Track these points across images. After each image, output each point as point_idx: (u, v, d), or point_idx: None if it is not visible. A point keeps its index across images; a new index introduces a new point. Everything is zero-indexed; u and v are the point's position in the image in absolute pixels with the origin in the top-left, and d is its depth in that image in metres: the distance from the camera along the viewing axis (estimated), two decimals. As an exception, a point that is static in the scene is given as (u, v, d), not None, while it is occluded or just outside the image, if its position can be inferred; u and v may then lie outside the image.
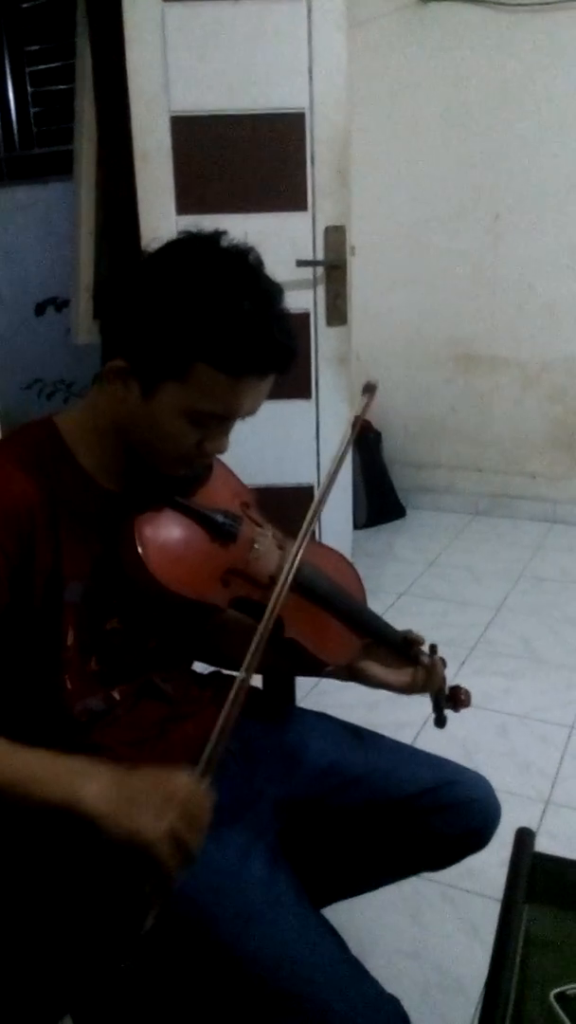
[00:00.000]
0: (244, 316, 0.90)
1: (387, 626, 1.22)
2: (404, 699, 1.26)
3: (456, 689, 1.28)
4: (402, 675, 1.19)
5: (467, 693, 1.28)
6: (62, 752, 0.88)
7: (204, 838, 0.87)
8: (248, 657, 0.94)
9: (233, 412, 0.96)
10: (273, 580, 1.04)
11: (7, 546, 0.92)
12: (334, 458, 1.13)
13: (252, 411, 0.98)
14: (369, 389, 1.15)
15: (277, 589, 1.00)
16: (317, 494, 1.04)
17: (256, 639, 0.95)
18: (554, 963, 0.90)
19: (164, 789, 0.86)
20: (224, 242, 0.95)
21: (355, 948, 0.99)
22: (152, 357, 0.92)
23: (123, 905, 0.89)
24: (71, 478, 0.99)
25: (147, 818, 0.83)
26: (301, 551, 1.04)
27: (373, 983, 0.94)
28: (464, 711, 1.30)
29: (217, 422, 0.97)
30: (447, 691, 1.28)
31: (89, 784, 0.85)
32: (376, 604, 2.90)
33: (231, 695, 0.93)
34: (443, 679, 1.26)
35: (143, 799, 0.85)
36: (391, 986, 0.96)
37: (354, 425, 1.15)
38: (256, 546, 1.07)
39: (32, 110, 4.17)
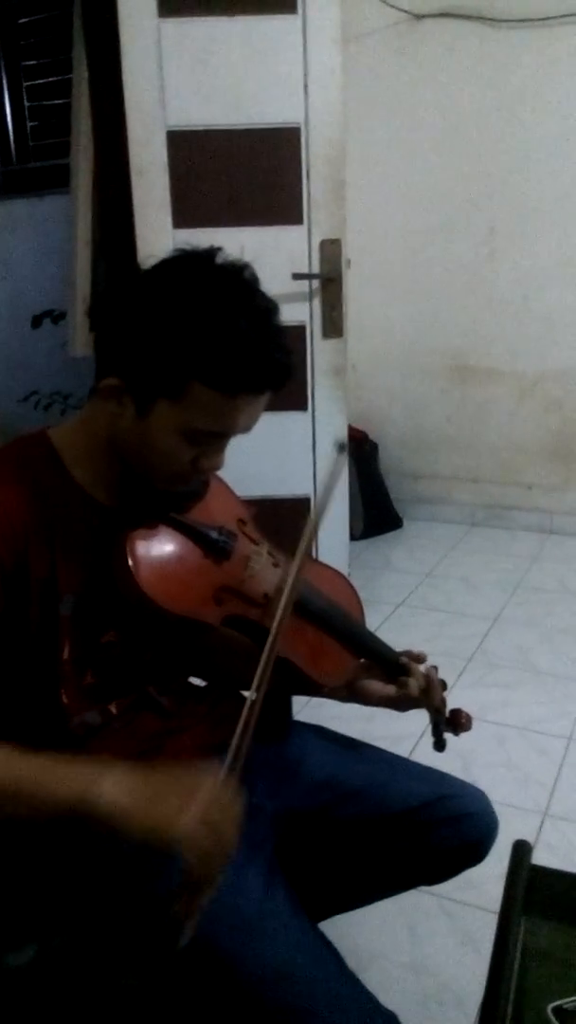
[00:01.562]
0: (239, 334, 0.90)
1: (384, 647, 1.21)
2: (403, 712, 1.26)
3: (456, 712, 1.27)
4: (398, 689, 1.19)
5: (468, 717, 1.27)
6: (71, 755, 0.86)
7: (238, 834, 0.83)
8: (257, 677, 0.93)
9: (229, 430, 0.96)
10: (268, 598, 1.04)
11: (2, 558, 0.92)
12: (326, 483, 1.10)
13: (248, 428, 0.98)
14: (343, 448, 1.11)
15: (280, 608, 0.99)
16: (308, 524, 1.02)
17: (264, 659, 0.94)
18: (552, 976, 0.90)
19: (187, 784, 0.83)
20: (219, 259, 0.95)
21: (352, 961, 0.99)
22: (147, 376, 0.92)
23: (156, 921, 0.84)
24: (65, 492, 0.99)
25: (170, 812, 0.80)
26: (298, 573, 1.03)
27: (370, 997, 0.94)
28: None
29: (213, 439, 0.97)
30: (447, 714, 1.28)
31: (104, 782, 0.82)
32: (373, 615, 2.91)
33: (245, 708, 0.91)
34: (442, 701, 1.26)
35: (165, 794, 0.82)
36: (388, 1000, 0.95)
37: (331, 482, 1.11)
38: (251, 564, 1.07)
39: (29, 124, 4.19)
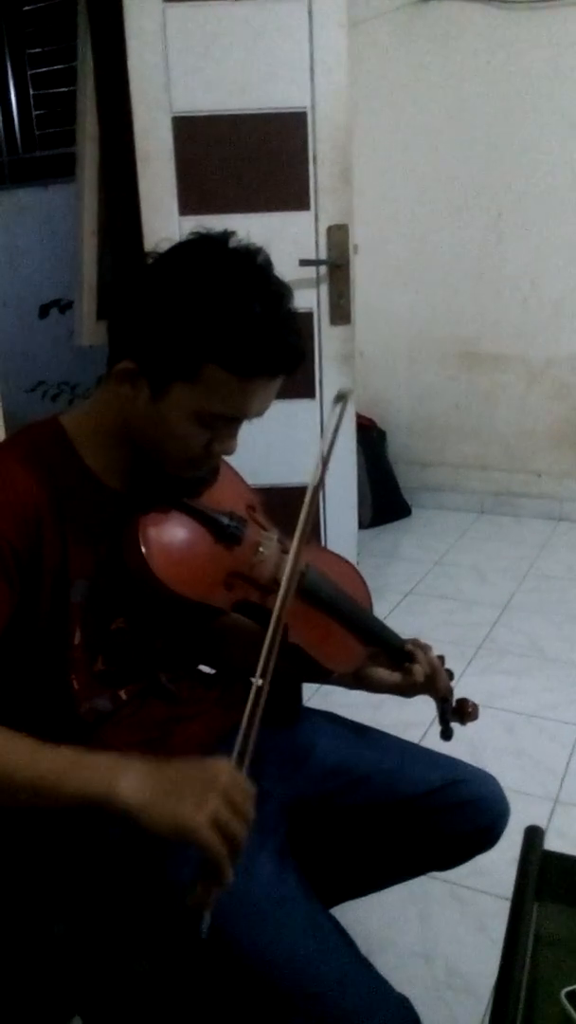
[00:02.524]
0: (254, 318, 0.90)
1: (393, 635, 1.21)
2: (411, 699, 1.26)
3: (463, 702, 1.27)
4: (405, 675, 1.19)
5: (474, 706, 1.27)
6: (88, 748, 0.86)
7: (250, 825, 0.84)
8: (261, 662, 0.93)
9: (242, 413, 0.97)
10: (277, 584, 1.04)
11: (16, 543, 0.92)
12: (315, 472, 1.07)
13: (261, 412, 0.98)
14: (340, 398, 1.12)
15: (283, 588, 0.99)
16: (307, 495, 1.01)
17: (268, 641, 0.94)
18: (565, 961, 0.90)
19: (203, 776, 0.83)
20: (233, 243, 0.95)
21: (364, 948, 0.99)
22: (162, 358, 0.92)
23: (177, 912, 0.85)
24: (77, 478, 0.99)
25: (188, 805, 0.80)
26: (300, 550, 1.02)
27: (383, 982, 0.94)
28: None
29: (226, 423, 0.97)
30: (453, 703, 1.28)
31: (123, 777, 0.82)
32: (382, 604, 2.91)
33: (252, 694, 0.91)
34: (449, 690, 1.26)
35: (182, 787, 0.82)
36: (401, 986, 0.95)
37: (332, 439, 1.11)
38: (261, 549, 1.07)
39: (34, 113, 4.17)
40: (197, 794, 0.81)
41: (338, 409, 1.02)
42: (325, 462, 1.07)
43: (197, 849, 0.80)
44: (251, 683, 0.92)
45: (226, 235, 0.96)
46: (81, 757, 0.85)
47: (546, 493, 3.74)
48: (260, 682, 0.92)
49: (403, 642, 1.20)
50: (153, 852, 0.95)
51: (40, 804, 0.85)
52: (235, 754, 0.88)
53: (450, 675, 1.26)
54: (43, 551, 0.94)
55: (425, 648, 1.21)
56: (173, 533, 0.99)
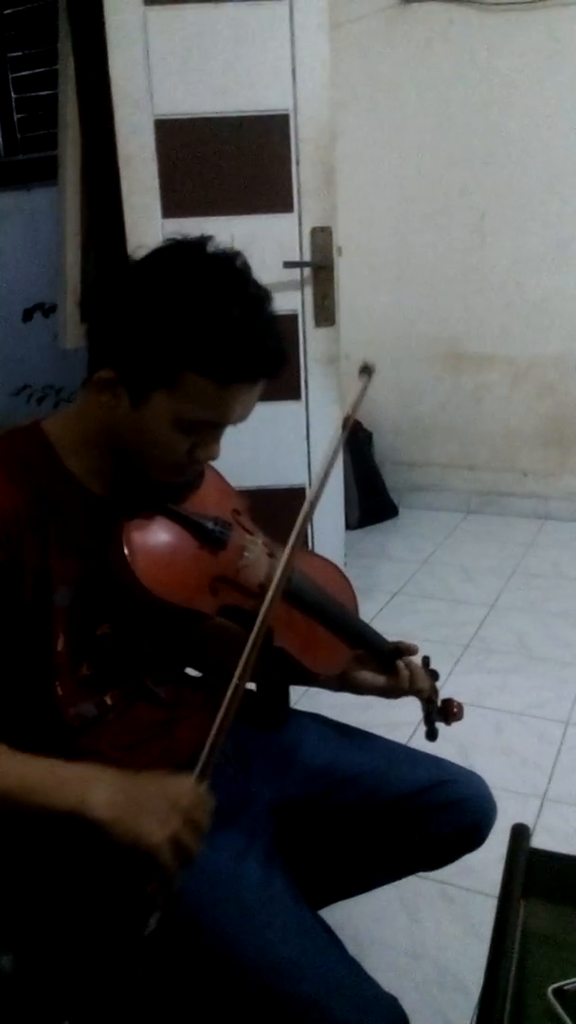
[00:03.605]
0: (233, 323, 0.90)
1: (378, 637, 1.22)
2: (397, 700, 1.26)
3: (448, 702, 1.28)
4: (389, 678, 1.20)
5: (459, 706, 1.28)
6: (63, 759, 0.89)
7: (204, 842, 0.89)
8: (240, 666, 0.94)
9: (224, 419, 0.96)
10: (263, 589, 1.04)
11: None
12: (327, 457, 1.10)
13: (243, 417, 0.97)
14: (367, 370, 1.12)
15: (268, 595, 0.99)
16: (309, 494, 1.03)
17: (248, 647, 0.95)
18: (552, 959, 0.90)
19: (168, 795, 0.88)
20: (210, 248, 0.94)
21: (353, 948, 0.99)
22: (141, 367, 0.92)
23: (125, 907, 0.90)
24: (59, 483, 0.98)
25: (152, 824, 0.85)
26: (290, 559, 1.02)
27: (371, 983, 0.94)
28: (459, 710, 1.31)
29: (208, 429, 0.97)
30: (439, 704, 1.28)
31: (95, 792, 0.86)
32: (370, 604, 2.91)
33: (225, 701, 0.92)
34: (434, 691, 1.26)
35: (149, 805, 0.86)
36: (390, 985, 0.96)
37: (346, 421, 1.13)
38: (246, 554, 1.06)
39: (16, 116, 4.16)
40: (161, 813, 0.86)
41: (363, 382, 1.03)
42: (345, 426, 1.09)
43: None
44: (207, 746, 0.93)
45: (203, 240, 0.95)
46: (57, 770, 0.89)
47: (532, 492, 3.75)
48: (236, 682, 0.93)
49: (388, 644, 1.21)
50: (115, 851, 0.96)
51: (17, 809, 0.88)
52: (199, 767, 0.91)
53: (435, 676, 1.27)
54: (24, 558, 0.94)
55: (411, 650, 1.21)
56: (157, 538, 0.99)
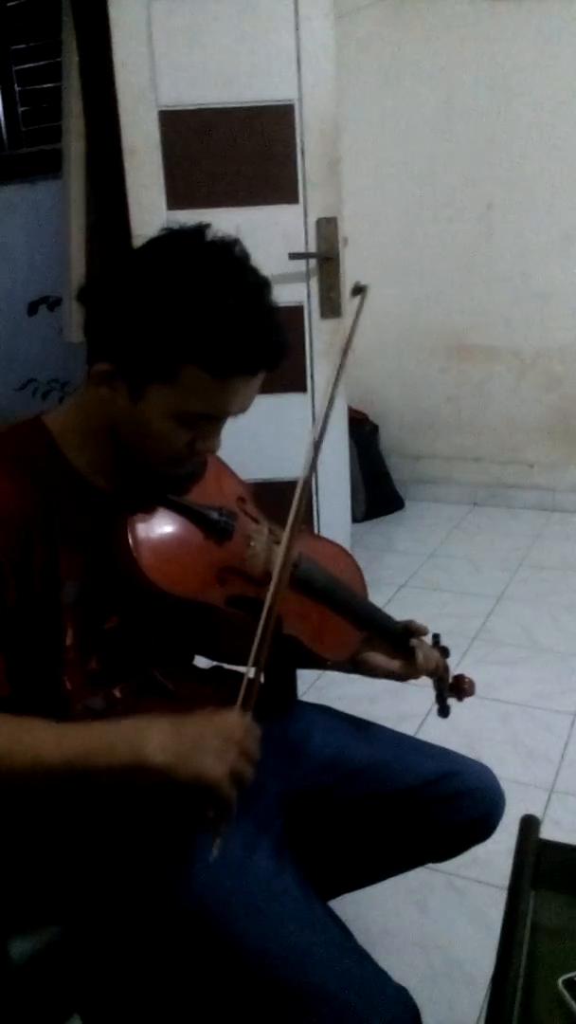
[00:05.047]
0: (230, 314, 0.88)
1: (387, 618, 1.21)
2: (406, 691, 1.27)
3: (459, 678, 1.28)
4: (399, 660, 1.20)
5: (470, 682, 1.28)
6: (108, 720, 0.93)
7: (258, 756, 0.92)
8: (252, 656, 0.94)
9: (223, 412, 0.95)
10: (271, 577, 1.04)
11: (5, 547, 0.91)
12: (323, 408, 1.10)
13: (243, 409, 0.96)
14: (359, 290, 1.10)
15: (273, 583, 0.99)
16: (305, 470, 1.02)
17: (258, 637, 0.94)
18: (562, 950, 0.90)
19: (220, 730, 0.90)
20: (208, 236, 0.93)
21: (362, 939, 0.99)
22: (138, 360, 0.91)
23: (189, 834, 0.95)
24: (62, 478, 0.98)
25: (210, 760, 0.88)
26: (292, 543, 1.02)
27: (381, 973, 0.94)
28: (468, 700, 1.31)
29: (208, 422, 0.96)
30: (450, 680, 1.28)
31: (151, 741, 0.87)
32: (376, 597, 2.90)
33: (242, 688, 0.95)
34: (445, 668, 1.26)
35: (204, 743, 0.88)
36: (399, 976, 0.96)
37: (349, 338, 1.11)
38: (252, 543, 1.06)
39: (20, 109, 4.14)
40: (216, 749, 0.89)
41: (356, 301, 1.05)
42: (342, 364, 1.11)
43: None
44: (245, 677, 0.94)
45: (201, 228, 0.93)
46: (105, 728, 0.90)
47: (538, 484, 3.74)
48: (251, 672, 0.94)
49: (399, 626, 1.21)
50: (154, 851, 0.96)
51: (75, 783, 0.88)
52: (241, 699, 0.94)
53: (446, 653, 1.27)
54: (31, 554, 0.93)
55: (421, 631, 1.21)
56: (162, 531, 0.98)
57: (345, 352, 1.11)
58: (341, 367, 1.13)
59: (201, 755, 0.88)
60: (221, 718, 0.92)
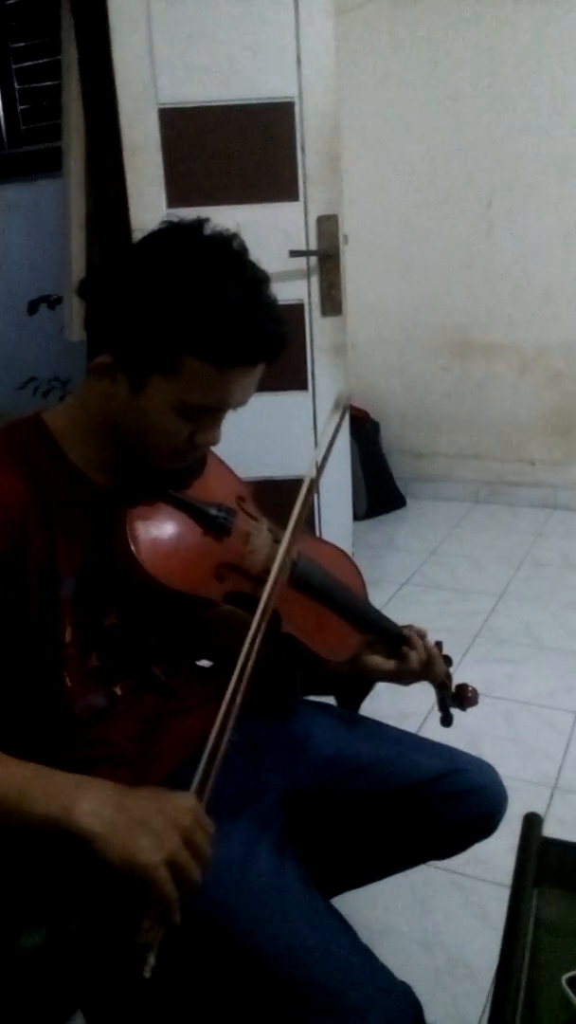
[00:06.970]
0: (230, 305, 0.89)
1: (387, 622, 1.21)
2: (408, 688, 1.26)
3: (462, 687, 1.27)
4: (400, 663, 1.19)
5: (474, 691, 1.27)
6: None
7: (203, 871, 0.82)
8: (243, 652, 0.93)
9: (224, 403, 0.96)
10: (268, 574, 1.03)
11: (1, 543, 0.91)
12: (309, 470, 1.07)
13: (243, 401, 0.97)
14: (340, 403, 1.11)
15: (270, 581, 0.98)
16: (302, 488, 1.01)
17: (251, 634, 0.94)
18: (565, 948, 0.90)
19: (166, 811, 0.81)
20: (207, 230, 0.94)
21: (365, 936, 0.99)
22: (138, 351, 0.92)
23: (122, 948, 0.81)
24: (61, 474, 0.98)
25: (147, 842, 0.78)
26: (293, 541, 1.02)
27: (384, 970, 0.94)
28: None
29: (208, 414, 0.96)
30: (453, 689, 1.27)
31: (84, 800, 0.79)
32: (378, 595, 2.91)
33: (228, 693, 0.90)
34: (447, 675, 1.25)
35: (144, 821, 0.79)
36: (402, 973, 0.95)
37: (329, 446, 1.11)
38: (251, 540, 1.06)
39: (19, 108, 4.14)
40: (158, 831, 0.78)
41: (336, 417, 1.02)
42: (320, 468, 1.07)
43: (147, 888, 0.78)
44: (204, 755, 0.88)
45: (200, 222, 0.94)
46: (48, 774, 0.83)
47: (540, 481, 3.74)
48: (237, 675, 0.90)
49: (399, 628, 1.20)
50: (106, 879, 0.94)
51: (4, 819, 0.82)
52: (197, 781, 0.86)
53: (448, 661, 1.26)
54: (29, 550, 0.93)
55: (421, 634, 1.20)
56: (161, 526, 0.99)
57: (319, 471, 1.07)
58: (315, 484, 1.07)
59: (137, 834, 0.77)
60: (172, 798, 0.82)
